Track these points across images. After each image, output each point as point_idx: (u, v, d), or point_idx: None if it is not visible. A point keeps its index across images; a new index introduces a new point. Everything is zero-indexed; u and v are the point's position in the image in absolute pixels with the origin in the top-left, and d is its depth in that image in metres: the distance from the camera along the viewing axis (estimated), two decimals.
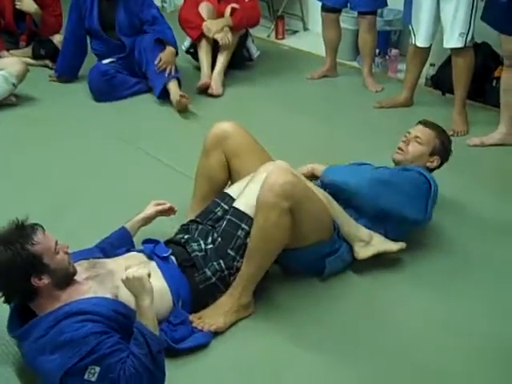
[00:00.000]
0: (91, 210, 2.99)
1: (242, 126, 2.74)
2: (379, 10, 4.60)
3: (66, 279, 2.05)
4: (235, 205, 2.40)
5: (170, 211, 2.66)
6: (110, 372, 1.88)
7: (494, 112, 4.14)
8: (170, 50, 4.22)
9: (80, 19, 4.30)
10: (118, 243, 2.45)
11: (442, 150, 2.81)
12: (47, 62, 4.74)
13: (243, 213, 2.35)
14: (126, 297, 2.07)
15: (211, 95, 4.33)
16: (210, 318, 2.26)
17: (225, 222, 2.37)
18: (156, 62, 4.16)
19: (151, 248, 2.34)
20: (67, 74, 4.51)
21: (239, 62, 4.73)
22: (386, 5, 4.40)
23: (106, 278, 2.13)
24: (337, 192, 2.58)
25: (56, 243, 2.04)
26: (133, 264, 2.09)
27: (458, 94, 3.89)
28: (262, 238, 2.23)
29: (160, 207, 2.62)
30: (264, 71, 4.78)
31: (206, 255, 2.32)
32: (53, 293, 2.02)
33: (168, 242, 2.42)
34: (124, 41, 4.33)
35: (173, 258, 2.32)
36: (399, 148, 2.80)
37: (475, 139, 3.72)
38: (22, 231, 1.99)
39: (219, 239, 2.35)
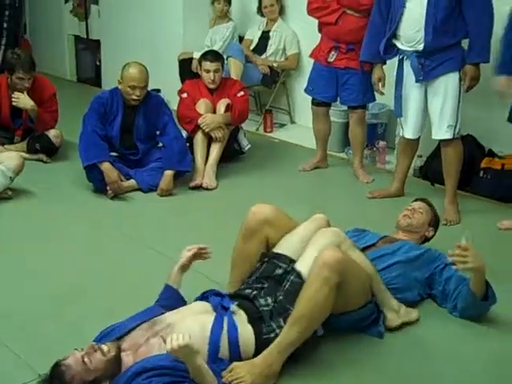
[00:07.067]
0: (93, 304, 2.96)
1: (279, 209, 2.86)
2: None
3: (117, 364, 2.17)
4: (298, 268, 2.56)
5: (204, 254, 2.74)
6: None
7: (482, 201, 4.25)
8: (167, 176, 4.26)
9: (100, 122, 4.23)
10: (170, 303, 2.56)
11: (436, 223, 3.25)
12: (41, 156, 4.78)
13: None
14: None
15: (205, 189, 4.40)
16: (238, 374, 2.33)
17: (288, 284, 2.55)
18: (157, 193, 4.26)
19: (218, 300, 2.49)
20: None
21: (230, 154, 4.81)
22: (375, 99, 4.56)
23: (165, 332, 2.25)
24: None
25: (82, 358, 2.13)
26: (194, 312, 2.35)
27: (449, 183, 3.98)
28: (310, 307, 2.38)
29: (192, 251, 2.71)
30: (256, 163, 4.88)
31: (272, 311, 2.49)
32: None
33: (234, 296, 2.58)
34: (139, 147, 4.40)
35: (241, 311, 2.46)
36: (406, 215, 3.16)
37: (506, 222, 3.80)
38: (56, 380, 2.11)
39: (281, 297, 2.52)
